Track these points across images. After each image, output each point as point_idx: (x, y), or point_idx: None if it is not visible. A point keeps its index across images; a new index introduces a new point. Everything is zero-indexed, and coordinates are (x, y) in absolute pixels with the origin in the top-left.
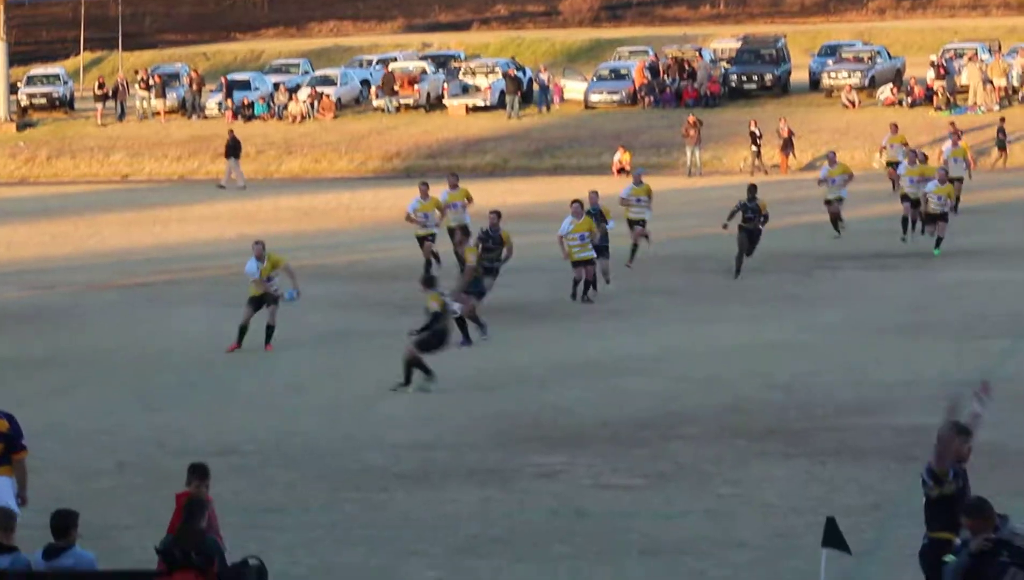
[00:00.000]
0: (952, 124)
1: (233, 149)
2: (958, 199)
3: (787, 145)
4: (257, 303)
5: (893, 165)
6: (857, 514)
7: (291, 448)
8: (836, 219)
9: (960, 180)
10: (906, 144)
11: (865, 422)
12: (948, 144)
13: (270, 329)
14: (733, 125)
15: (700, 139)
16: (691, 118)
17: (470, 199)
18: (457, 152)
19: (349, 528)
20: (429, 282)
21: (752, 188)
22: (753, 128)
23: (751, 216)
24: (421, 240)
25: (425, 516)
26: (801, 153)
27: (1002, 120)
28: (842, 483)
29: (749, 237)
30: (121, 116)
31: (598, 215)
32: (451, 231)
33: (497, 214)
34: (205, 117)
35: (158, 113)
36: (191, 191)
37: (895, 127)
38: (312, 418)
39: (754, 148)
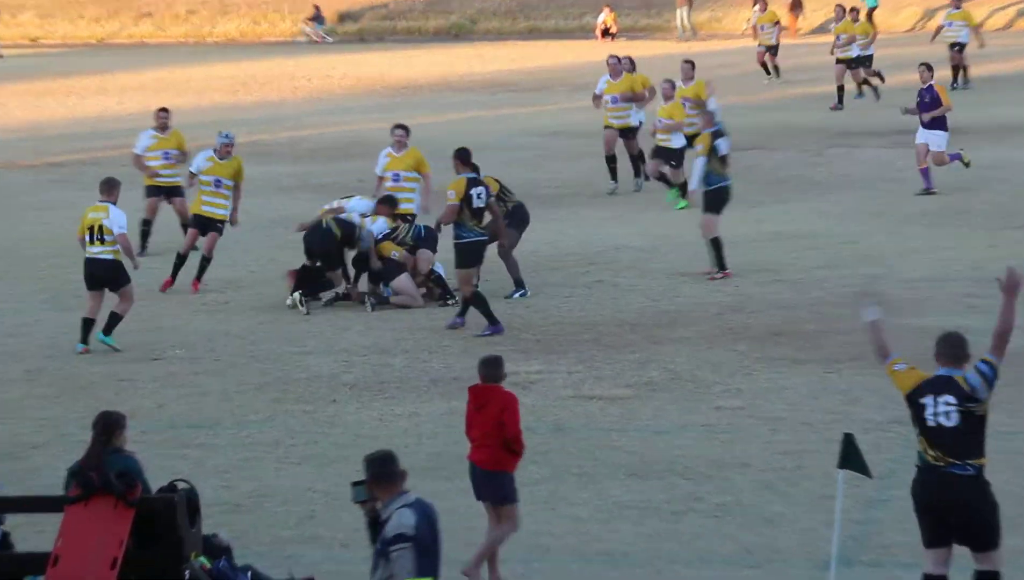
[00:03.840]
0: None
1: None
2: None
3: (796, 5)
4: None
5: (768, 49)
6: (877, 430)
7: (226, 353)
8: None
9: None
10: (778, 23)
11: (887, 324)
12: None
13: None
14: None
15: None
16: None
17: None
18: (417, 12)
19: (292, 446)
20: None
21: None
22: None
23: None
24: (161, 192)
25: (380, 432)
26: (812, 14)
27: None
28: (860, 394)
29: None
30: None
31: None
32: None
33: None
34: None
35: None
36: (111, 57)
37: (763, 5)
38: (250, 318)
39: (757, 8)
